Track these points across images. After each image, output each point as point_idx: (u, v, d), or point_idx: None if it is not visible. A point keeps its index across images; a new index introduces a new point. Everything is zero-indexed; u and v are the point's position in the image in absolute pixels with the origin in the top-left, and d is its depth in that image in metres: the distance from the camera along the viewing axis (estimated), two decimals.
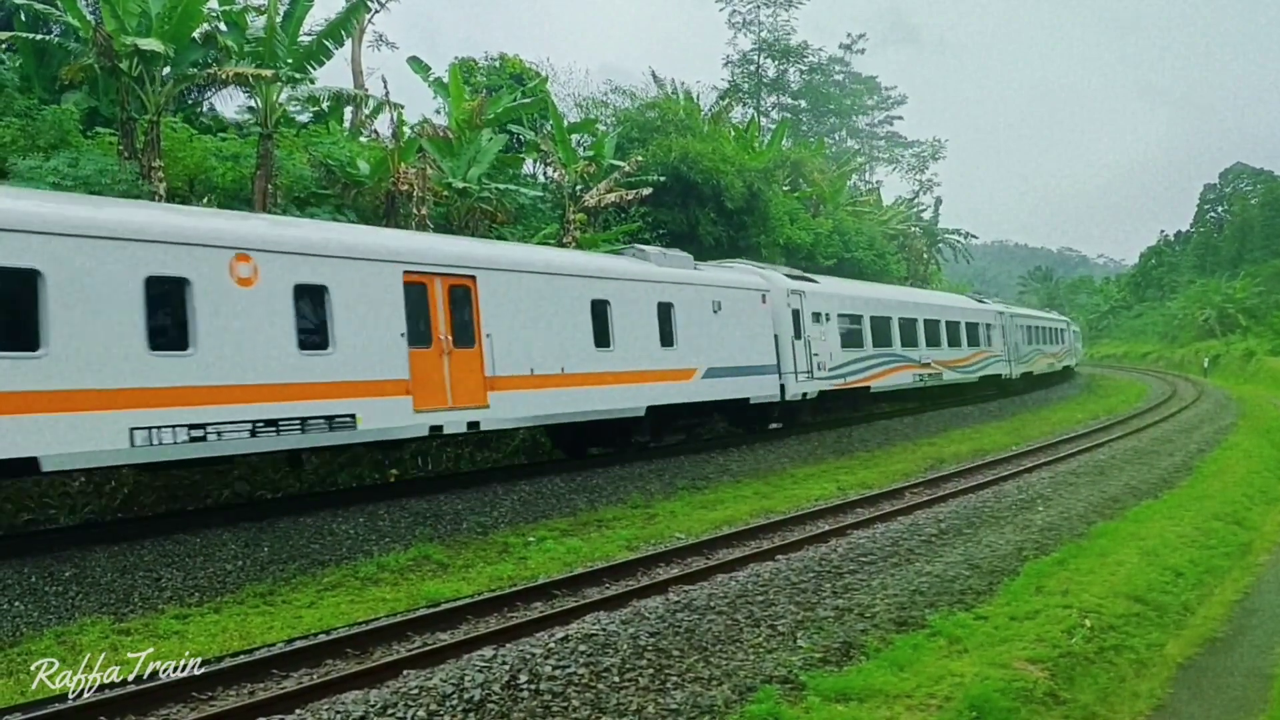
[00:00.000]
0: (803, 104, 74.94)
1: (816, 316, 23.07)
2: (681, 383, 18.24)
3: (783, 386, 21.32)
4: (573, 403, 15.76)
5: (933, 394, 31.58)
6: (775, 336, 21.29)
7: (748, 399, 20.22)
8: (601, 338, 16.58)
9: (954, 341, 31.46)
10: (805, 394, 22.22)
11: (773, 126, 52.59)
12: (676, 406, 18.33)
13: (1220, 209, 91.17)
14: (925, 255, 62.18)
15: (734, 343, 19.72)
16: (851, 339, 24.84)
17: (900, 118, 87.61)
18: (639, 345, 17.29)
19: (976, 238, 75.60)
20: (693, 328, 18.62)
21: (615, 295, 16.97)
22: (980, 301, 38.10)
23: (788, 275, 23.41)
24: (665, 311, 18.15)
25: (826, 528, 13.01)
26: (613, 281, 17.09)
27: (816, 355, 22.71)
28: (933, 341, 29.59)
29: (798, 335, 22.15)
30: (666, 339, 18.06)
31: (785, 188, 43.00)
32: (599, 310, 16.65)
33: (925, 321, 29.23)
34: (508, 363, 14.59)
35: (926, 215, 68.50)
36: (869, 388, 25.28)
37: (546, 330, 15.42)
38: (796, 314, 22.34)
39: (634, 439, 18.14)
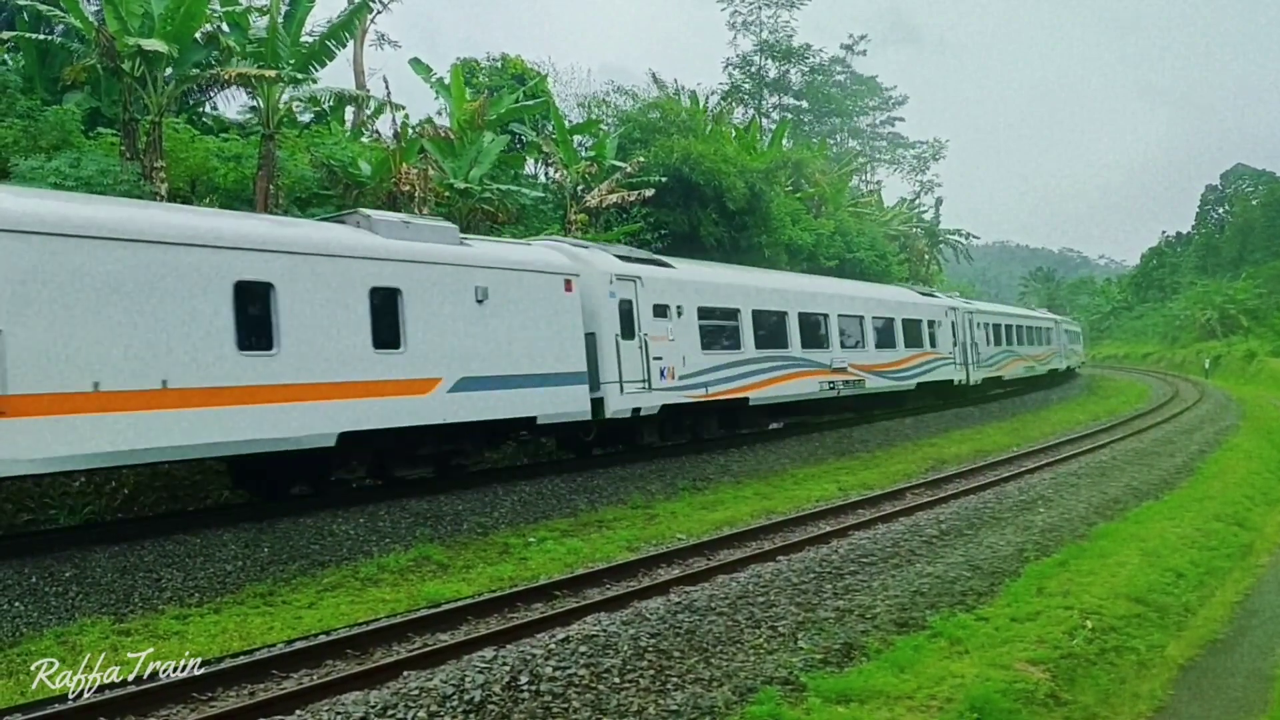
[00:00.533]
0: (804, 105, 74.97)
1: (661, 310, 18.07)
2: (412, 398, 13.45)
3: (601, 400, 16.59)
4: (183, 432, 10.99)
5: (852, 405, 26.58)
6: (592, 335, 16.64)
7: (533, 418, 15.43)
8: (255, 336, 11.87)
9: (883, 342, 26.49)
10: (639, 409, 17.35)
11: (774, 127, 52.63)
12: (404, 431, 13.51)
13: (1221, 210, 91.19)
14: (927, 256, 62.22)
15: (511, 343, 15.00)
16: (720, 339, 19.87)
17: (902, 119, 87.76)
18: (329, 346, 12.50)
19: (978, 238, 75.69)
20: (436, 322, 13.92)
21: (286, 276, 12.19)
22: (929, 295, 32.61)
23: (619, 256, 18.38)
24: (387, 300, 13.39)
25: (828, 528, 13.00)
26: (282, 256, 12.24)
27: (659, 359, 17.74)
28: (851, 342, 24.72)
29: (628, 334, 17.19)
30: (386, 338, 13.29)
31: (787, 188, 42.99)
32: (253, 297, 11.93)
33: (840, 318, 24.25)
34: (36, 375, 9.98)
35: (928, 216, 68.56)
36: (747, 399, 20.37)
37: (136, 325, 10.82)
38: (627, 306, 17.33)
39: (335, 475, 13.46)
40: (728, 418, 21.08)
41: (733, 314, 20.39)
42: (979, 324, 34.14)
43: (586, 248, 18.25)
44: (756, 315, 20.99)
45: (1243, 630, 10.39)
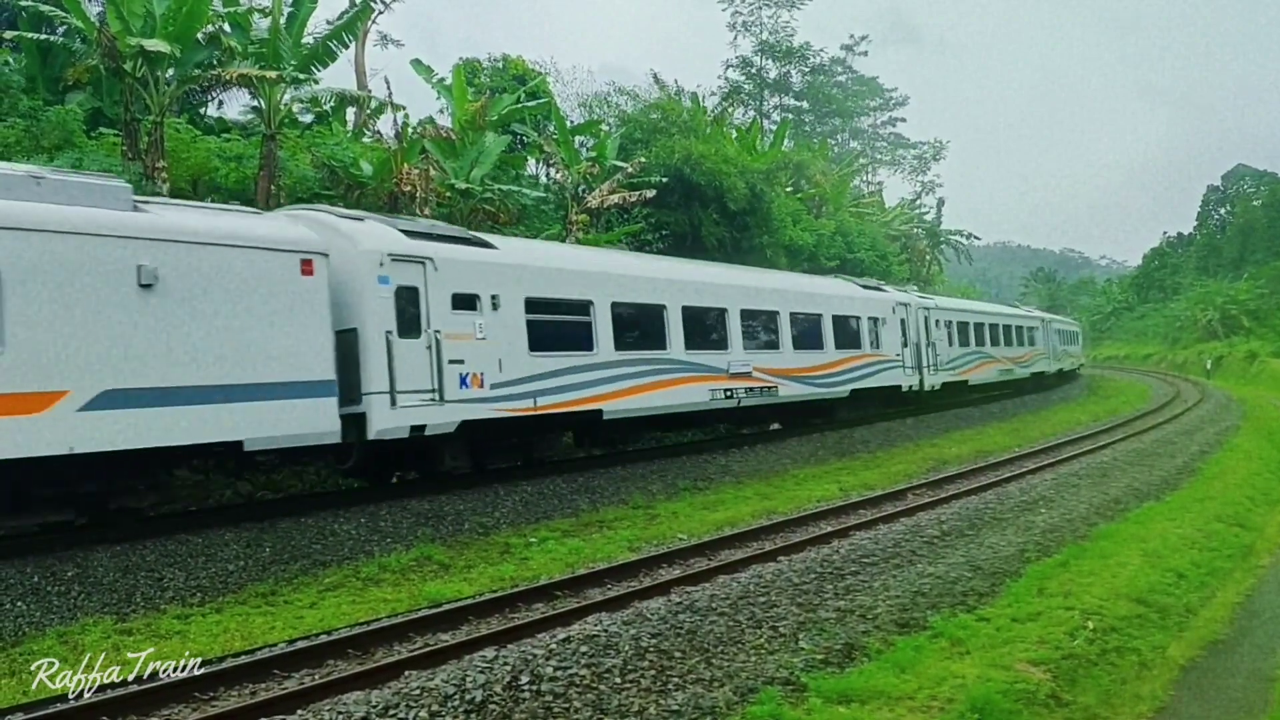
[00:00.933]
0: (805, 105, 75.10)
1: (466, 301, 14.36)
2: (10, 420, 9.86)
3: (362, 416, 12.81)
4: None
5: (762, 417, 23.38)
6: (352, 332, 12.94)
7: (239, 442, 11.56)
8: None
9: (806, 342, 22.72)
10: (421, 426, 13.48)
11: (774, 128, 52.70)
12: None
13: (1223, 210, 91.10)
14: (928, 257, 62.26)
15: (199, 343, 11.21)
16: (561, 338, 16.12)
17: (903, 119, 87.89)
18: None
19: (979, 239, 75.78)
20: (65, 314, 10.35)
21: None
22: (874, 289, 28.04)
23: (406, 231, 14.34)
24: None
25: (829, 529, 13.01)
26: None
27: (459, 364, 14.06)
28: (759, 342, 21.04)
29: (409, 330, 13.45)
30: None
31: (788, 189, 43.04)
32: None
33: (744, 313, 20.53)
34: None
35: (929, 217, 68.64)
36: (599, 412, 16.55)
37: None
38: (409, 295, 13.54)
39: None
40: (593, 434, 17.77)
41: (582, 307, 16.59)
42: (939, 321, 30.23)
43: (360, 219, 14.24)
44: (618, 309, 17.17)
45: (1244, 631, 10.39)
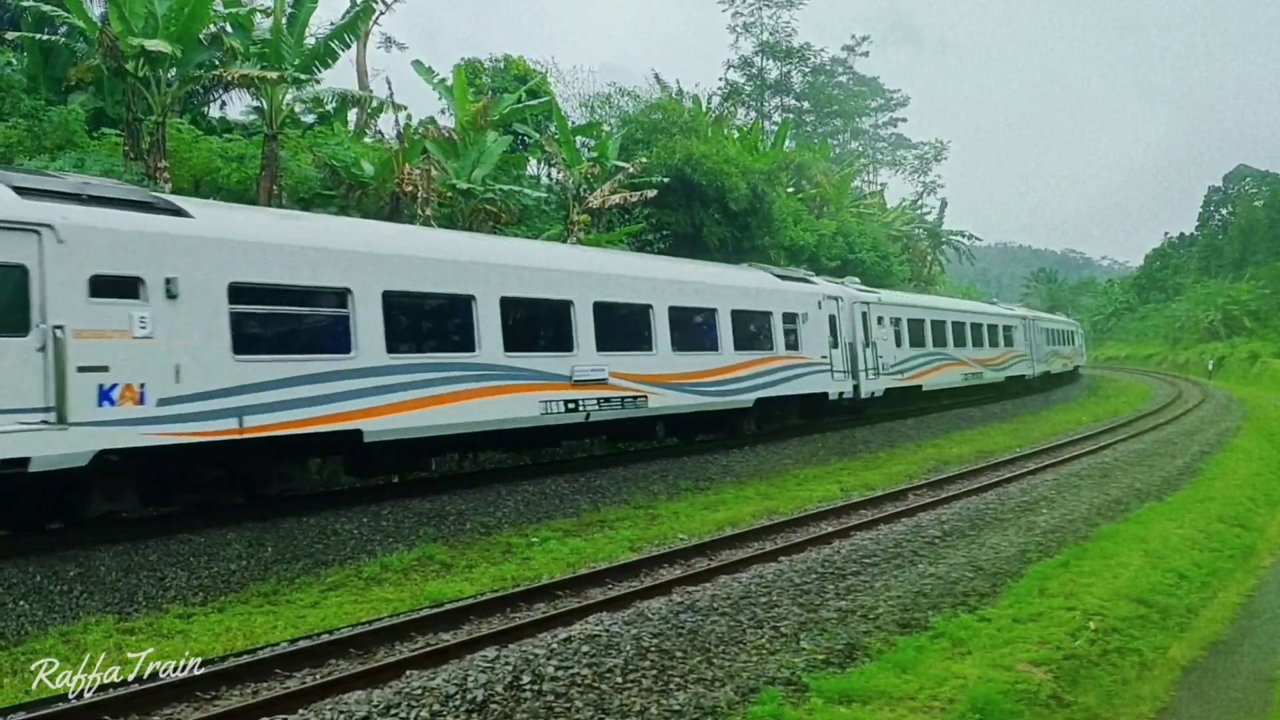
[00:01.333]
0: (806, 105, 75.20)
1: (118, 286, 10.57)
2: None
3: None
4: None
5: (632, 432, 19.29)
6: None
7: None
8: None
9: (690, 342, 18.89)
10: (23, 460, 9.65)
11: (775, 128, 52.73)
12: None
13: (1224, 211, 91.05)
14: (930, 257, 62.28)
15: None
16: (293, 337, 12.42)
17: (904, 120, 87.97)
18: None
19: (980, 239, 75.84)
20: None
21: None
22: (799, 280, 23.98)
23: (19, 188, 10.28)
24: None
25: (830, 529, 13.00)
26: None
27: (98, 372, 10.25)
28: (623, 342, 17.25)
29: (6, 328, 9.76)
30: None
31: (789, 189, 43.05)
32: None
33: (599, 306, 16.64)
34: None
35: (930, 217, 68.69)
36: (358, 432, 12.66)
37: None
38: (8, 277, 9.83)
39: None
40: (362, 461, 14.22)
41: (335, 297, 12.77)
42: (882, 318, 26.33)
43: None
44: (395, 300, 13.41)
45: (1245, 631, 10.40)
